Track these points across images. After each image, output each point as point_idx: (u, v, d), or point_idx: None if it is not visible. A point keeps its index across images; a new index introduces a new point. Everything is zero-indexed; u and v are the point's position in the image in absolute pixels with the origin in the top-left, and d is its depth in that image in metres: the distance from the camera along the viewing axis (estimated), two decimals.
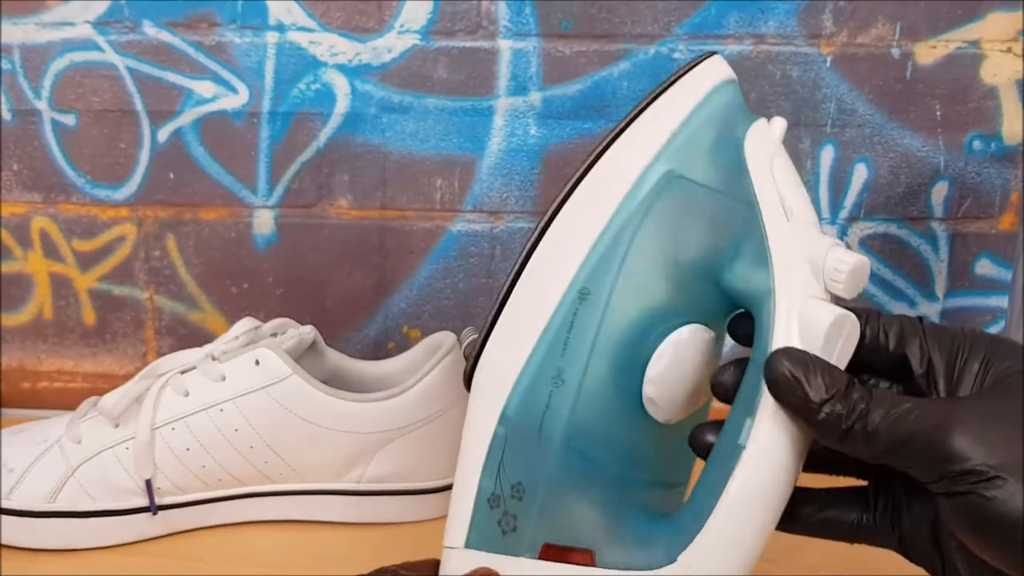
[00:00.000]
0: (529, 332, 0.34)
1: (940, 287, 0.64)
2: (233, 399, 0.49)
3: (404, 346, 0.65)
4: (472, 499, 0.35)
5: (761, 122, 0.35)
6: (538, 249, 0.35)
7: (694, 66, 0.36)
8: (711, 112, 0.35)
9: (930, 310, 0.64)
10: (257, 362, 0.50)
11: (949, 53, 0.60)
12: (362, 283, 0.65)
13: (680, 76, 0.35)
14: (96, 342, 0.67)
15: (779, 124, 0.36)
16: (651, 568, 0.34)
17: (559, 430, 0.34)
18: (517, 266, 0.35)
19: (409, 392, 0.51)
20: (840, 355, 0.32)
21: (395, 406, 0.51)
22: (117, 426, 0.50)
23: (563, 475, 0.35)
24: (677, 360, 0.35)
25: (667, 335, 0.35)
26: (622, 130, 0.35)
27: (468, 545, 0.36)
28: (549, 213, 0.35)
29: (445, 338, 0.54)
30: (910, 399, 0.31)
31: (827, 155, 0.62)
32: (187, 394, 0.50)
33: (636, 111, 0.35)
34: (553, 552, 0.35)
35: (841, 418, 0.30)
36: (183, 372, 0.51)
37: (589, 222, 0.34)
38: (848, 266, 0.32)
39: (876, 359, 0.34)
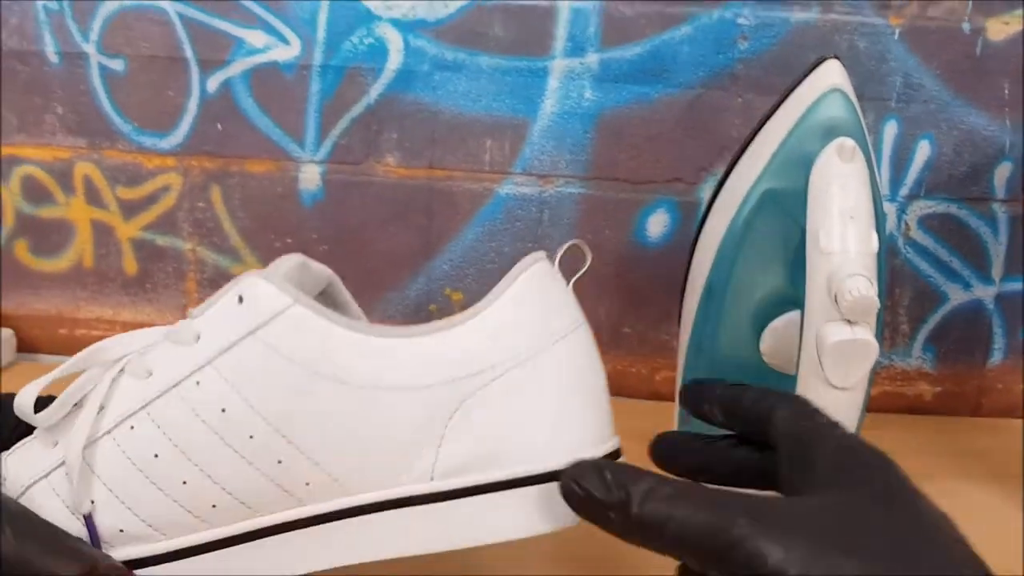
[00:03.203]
0: (687, 307, 0.49)
1: (997, 270, 0.63)
2: (211, 361, 0.31)
3: (445, 308, 0.64)
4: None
5: (832, 146, 0.41)
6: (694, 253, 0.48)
7: (807, 75, 0.44)
8: (802, 134, 0.42)
9: (985, 293, 0.63)
10: (240, 299, 0.31)
11: (1022, 30, 0.58)
12: (406, 243, 0.64)
13: (794, 87, 0.44)
14: (136, 291, 0.67)
15: (847, 146, 0.41)
16: None
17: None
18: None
19: (487, 313, 0.31)
20: (848, 372, 0.39)
21: (469, 339, 0.31)
22: (56, 444, 0.32)
23: None
24: (777, 342, 0.45)
25: (768, 322, 0.45)
26: (744, 147, 0.46)
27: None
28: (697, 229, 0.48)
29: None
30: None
31: (890, 130, 0.60)
32: (150, 374, 0.32)
33: (757, 126, 0.45)
34: None
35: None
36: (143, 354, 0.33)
37: (714, 233, 0.46)
38: (853, 295, 0.38)
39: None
